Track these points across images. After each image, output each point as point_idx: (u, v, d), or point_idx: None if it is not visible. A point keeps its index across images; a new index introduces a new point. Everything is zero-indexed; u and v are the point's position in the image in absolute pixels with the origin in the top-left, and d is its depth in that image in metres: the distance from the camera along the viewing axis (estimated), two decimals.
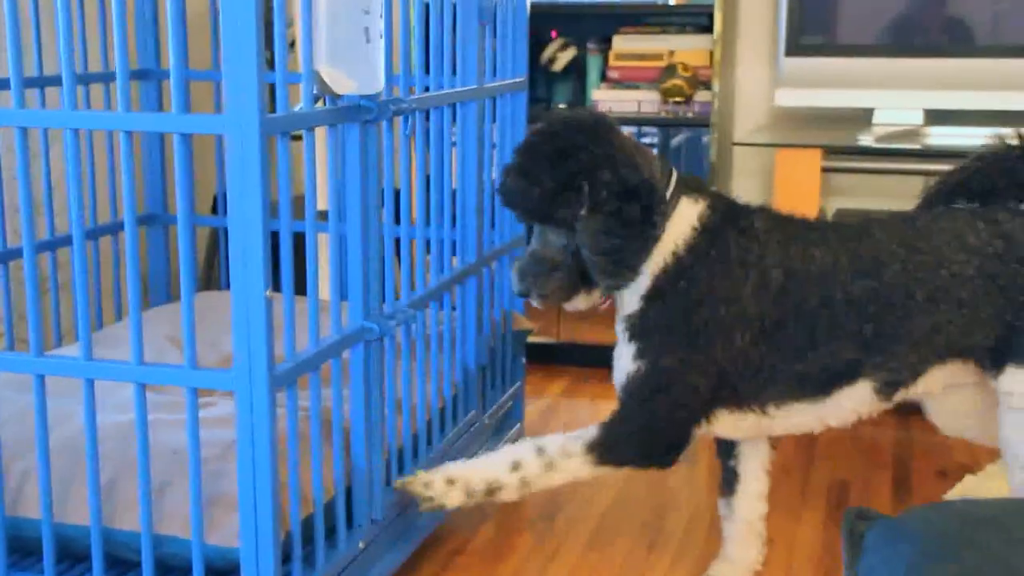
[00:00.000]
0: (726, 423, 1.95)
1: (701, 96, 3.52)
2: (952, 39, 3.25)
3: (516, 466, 1.90)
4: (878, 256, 1.87)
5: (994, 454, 2.81)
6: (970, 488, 2.61)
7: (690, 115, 3.52)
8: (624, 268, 1.83)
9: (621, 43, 3.60)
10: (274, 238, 1.64)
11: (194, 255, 1.64)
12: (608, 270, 1.83)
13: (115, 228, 2.60)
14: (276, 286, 1.64)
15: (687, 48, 3.57)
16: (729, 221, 1.88)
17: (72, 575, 1.81)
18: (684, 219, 1.87)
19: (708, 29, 3.48)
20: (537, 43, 3.62)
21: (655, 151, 2.03)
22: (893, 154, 3.09)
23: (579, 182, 1.82)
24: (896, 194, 3.57)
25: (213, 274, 3.17)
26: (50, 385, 1.75)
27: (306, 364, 1.72)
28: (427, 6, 2.23)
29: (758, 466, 2.15)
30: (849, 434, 3.06)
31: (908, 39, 3.29)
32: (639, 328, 1.89)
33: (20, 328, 2.78)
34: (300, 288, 1.81)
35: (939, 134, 3.21)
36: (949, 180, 2.00)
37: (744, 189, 3.66)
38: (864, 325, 1.85)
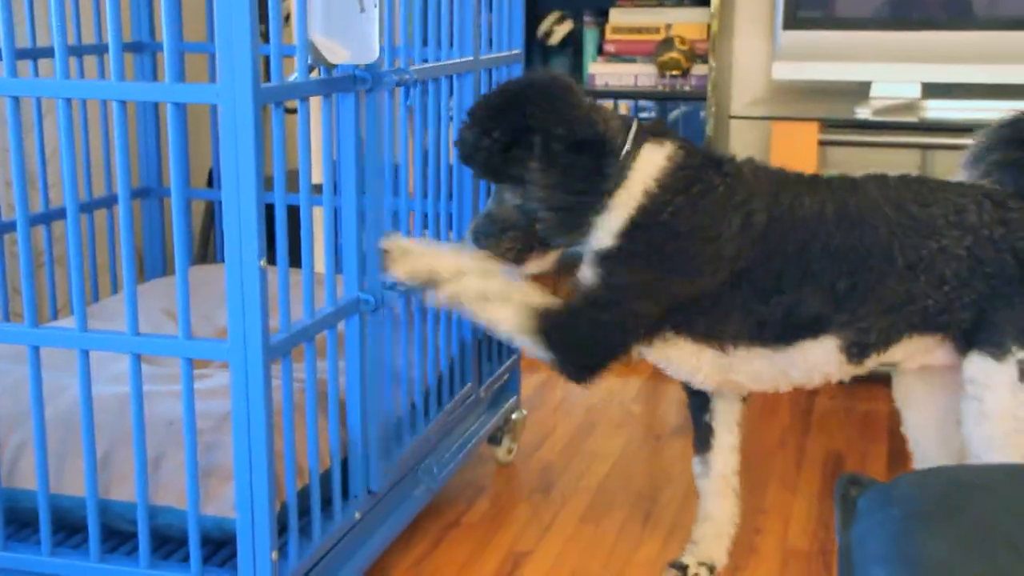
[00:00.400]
0: (684, 352, 1.90)
1: (698, 69, 3.51)
2: (949, 12, 3.24)
3: (460, 272, 1.87)
4: (866, 214, 1.83)
5: None
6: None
7: (687, 88, 3.51)
8: (575, 224, 1.83)
9: (618, 16, 3.58)
10: (269, 211, 1.64)
11: (188, 226, 1.64)
12: (559, 227, 1.83)
13: (110, 201, 2.59)
14: (271, 259, 1.64)
15: (684, 21, 3.56)
16: (711, 164, 1.86)
17: (68, 546, 1.81)
18: (651, 161, 1.84)
19: (705, 2, 3.47)
20: (534, 16, 3.61)
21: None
22: (890, 127, 3.09)
23: (530, 136, 1.81)
24: (893, 167, 3.56)
25: (209, 248, 3.17)
26: (45, 358, 1.75)
27: (301, 335, 1.71)
28: None
29: (731, 419, 2.12)
30: (844, 406, 3.07)
31: (906, 12, 3.28)
32: (604, 255, 1.85)
33: (15, 303, 2.78)
34: (296, 261, 1.81)
35: (936, 107, 3.20)
36: (998, 134, 1.95)
37: None
38: (838, 280, 1.81)
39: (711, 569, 2.13)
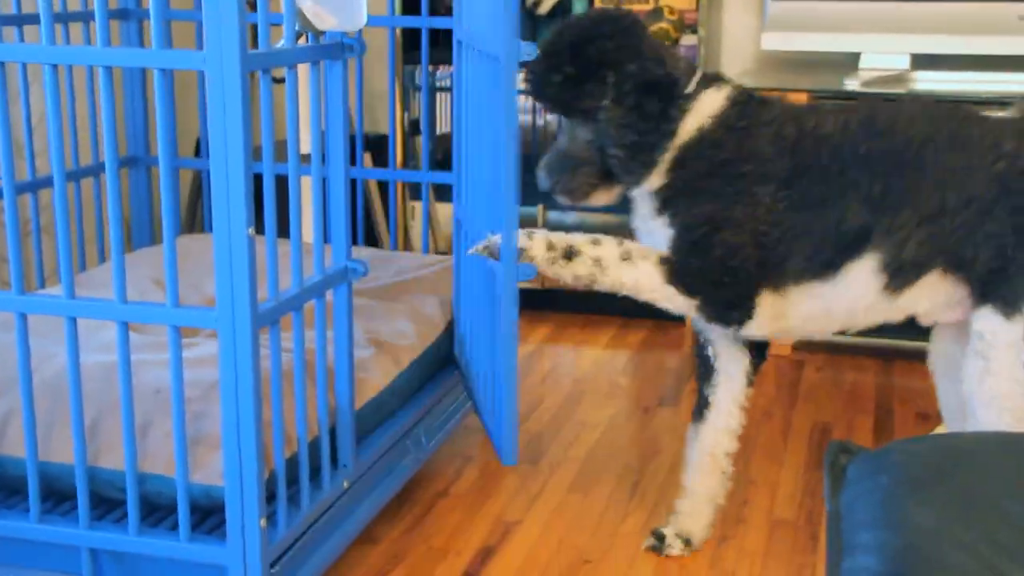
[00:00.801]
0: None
1: (687, 40, 3.50)
2: None
3: (597, 242, 1.89)
4: (896, 122, 1.87)
5: None
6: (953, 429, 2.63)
7: None
8: (642, 163, 1.86)
9: None
10: (258, 181, 1.63)
11: (176, 193, 1.64)
12: (627, 165, 1.86)
13: (97, 170, 2.58)
14: (260, 229, 1.63)
15: None
16: (752, 98, 1.92)
17: (57, 513, 1.81)
18: (710, 102, 1.89)
19: None
20: None
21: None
22: (880, 99, 3.08)
23: (603, 72, 1.84)
24: None
25: (197, 217, 3.16)
26: (33, 326, 1.74)
27: (289, 303, 1.71)
28: None
29: (731, 400, 2.12)
30: (831, 378, 3.08)
31: None
32: (666, 197, 1.90)
33: (2, 271, 2.77)
34: (285, 231, 1.81)
35: (925, 79, 3.20)
36: None
37: None
38: (873, 184, 1.83)
39: (687, 542, 2.14)
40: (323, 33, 1.76)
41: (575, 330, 3.41)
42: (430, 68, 3.37)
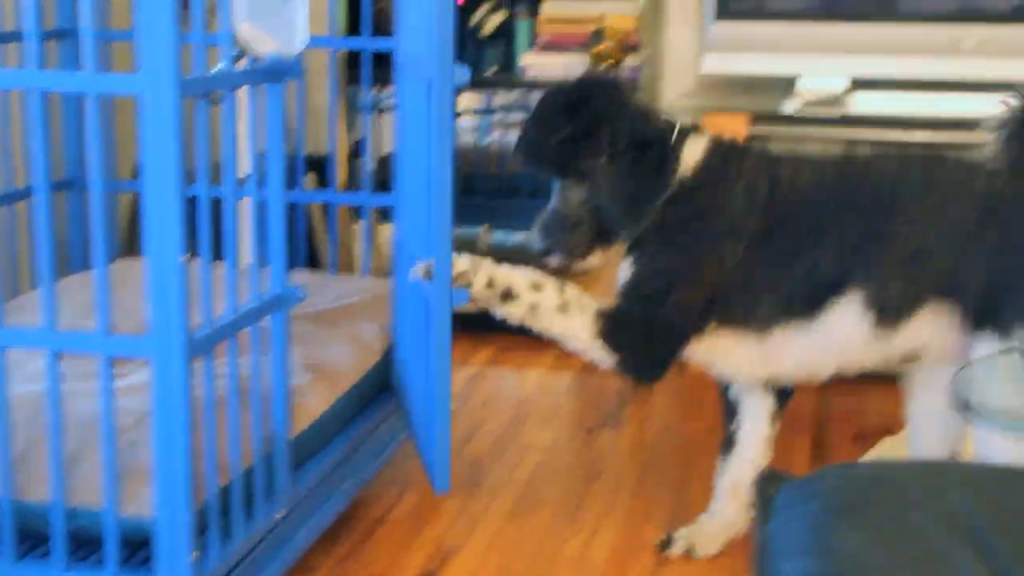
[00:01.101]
0: (726, 344, 1.97)
1: (630, 60, 3.51)
2: (879, 5, 3.26)
3: (538, 287, 1.91)
4: (869, 171, 1.92)
5: None
6: (886, 450, 2.65)
7: None
8: (643, 210, 1.90)
9: (550, 7, 3.57)
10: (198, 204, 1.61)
11: (108, 219, 1.61)
12: (629, 213, 1.90)
13: (30, 193, 2.53)
14: (196, 252, 1.61)
15: (616, 12, 3.55)
16: (728, 149, 1.96)
17: None
18: (691, 153, 1.94)
19: None
20: (466, 7, 3.59)
21: None
22: (817, 121, 3.11)
23: (598, 131, 1.89)
24: None
25: (136, 240, 3.11)
26: None
27: (223, 331, 1.68)
28: None
29: (755, 436, 2.18)
30: None
31: (835, 4, 3.30)
32: (637, 243, 1.95)
33: None
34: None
35: (864, 100, 3.23)
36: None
37: None
38: (847, 231, 1.88)
39: (689, 551, 2.20)
40: (261, 57, 1.74)
41: (518, 352, 3.39)
42: (375, 89, 3.35)
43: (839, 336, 1.93)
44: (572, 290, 1.93)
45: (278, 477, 1.91)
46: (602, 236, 1.98)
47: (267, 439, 1.89)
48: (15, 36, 2.47)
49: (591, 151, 1.90)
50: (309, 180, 3.24)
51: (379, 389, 2.37)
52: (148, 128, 1.52)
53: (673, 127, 1.96)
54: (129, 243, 3.13)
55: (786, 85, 3.36)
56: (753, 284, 1.91)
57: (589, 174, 1.91)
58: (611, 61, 3.47)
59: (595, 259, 2.02)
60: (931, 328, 1.93)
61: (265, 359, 1.87)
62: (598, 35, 3.47)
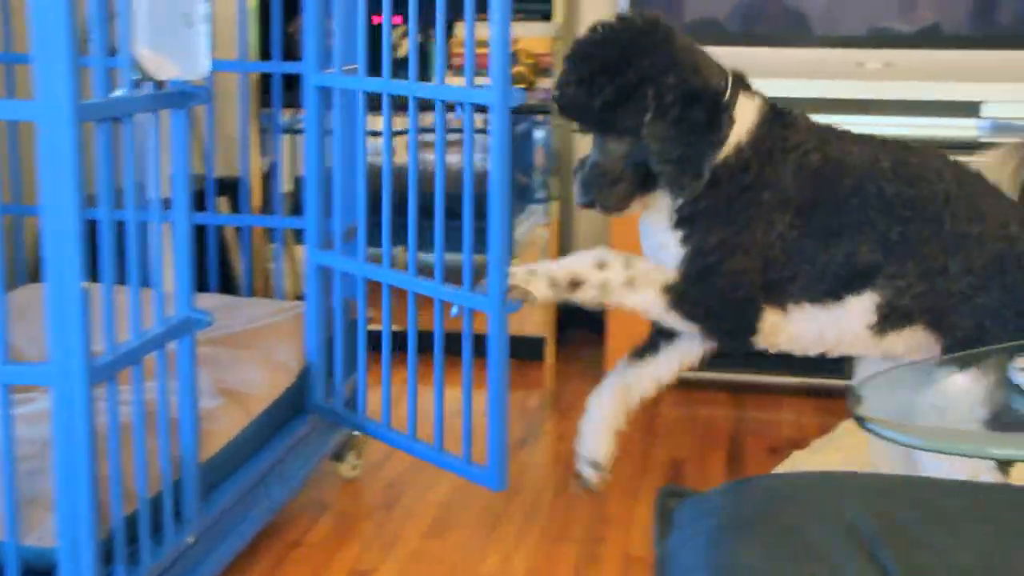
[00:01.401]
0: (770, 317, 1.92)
1: (543, 83, 3.55)
2: (792, 29, 3.34)
3: (602, 265, 1.86)
4: (925, 172, 1.86)
5: (823, 429, 2.93)
6: (798, 462, 2.71)
7: (533, 102, 3.54)
8: (693, 175, 1.81)
9: (464, 31, 3.59)
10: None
11: (7, 245, 1.59)
12: (678, 178, 1.81)
13: None
14: (109, 277, 1.59)
15: (529, 35, 3.59)
16: (778, 115, 1.88)
17: None
18: (744, 116, 1.84)
19: (550, 16, 3.51)
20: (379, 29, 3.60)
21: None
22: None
23: (643, 89, 1.78)
24: None
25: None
26: None
27: (127, 357, 1.67)
28: None
29: (676, 357, 2.06)
30: (686, 414, 3.14)
31: (748, 28, 3.37)
32: (686, 215, 1.86)
33: None
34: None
35: None
36: None
37: None
38: (893, 227, 1.83)
39: (595, 466, 2.05)
40: (164, 82, 1.74)
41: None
42: (286, 112, 3.34)
43: (842, 324, 1.91)
44: (638, 263, 1.87)
45: (187, 503, 1.90)
46: (643, 187, 1.87)
47: (176, 464, 1.88)
48: None
49: (636, 111, 1.79)
50: (223, 203, 3.22)
51: (293, 412, 2.36)
52: (45, 153, 1.51)
53: (726, 78, 1.85)
54: (39, 269, 3.09)
55: None
56: (794, 262, 1.85)
57: (633, 131, 1.81)
58: (524, 84, 3.50)
59: (636, 209, 1.92)
60: (911, 344, 1.93)
61: (173, 384, 1.86)
62: (512, 58, 3.50)
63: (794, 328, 1.93)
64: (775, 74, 3.28)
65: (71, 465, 1.57)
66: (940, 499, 1.27)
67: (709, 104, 1.79)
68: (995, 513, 1.24)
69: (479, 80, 3.59)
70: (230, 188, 3.26)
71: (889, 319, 1.90)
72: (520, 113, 3.58)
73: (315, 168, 2.36)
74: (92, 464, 1.57)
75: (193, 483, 1.89)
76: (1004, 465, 1.89)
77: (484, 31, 3.57)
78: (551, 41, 3.52)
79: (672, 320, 1.90)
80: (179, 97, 1.79)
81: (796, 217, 1.84)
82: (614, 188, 1.87)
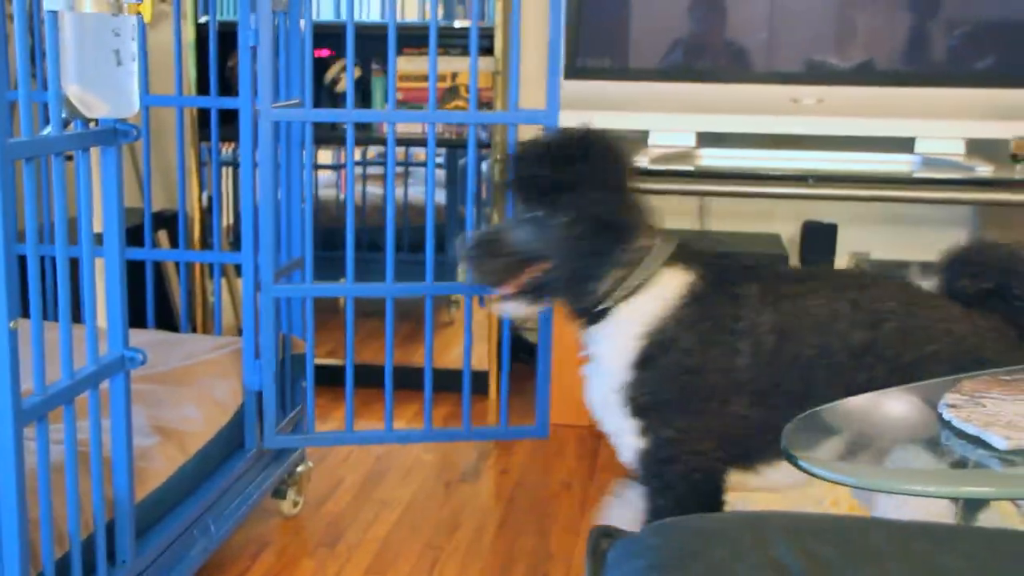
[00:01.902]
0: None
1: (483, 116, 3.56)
2: (729, 65, 3.39)
3: None
4: (878, 309, 1.86)
5: None
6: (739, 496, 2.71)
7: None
8: (580, 288, 1.87)
9: (405, 64, 3.61)
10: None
11: None
12: (565, 282, 1.87)
13: None
14: (36, 315, 1.57)
15: (467, 69, 3.61)
16: (719, 289, 1.89)
17: None
18: (672, 288, 1.88)
19: (490, 51, 3.53)
20: (321, 64, 3.61)
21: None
22: (669, 175, 3.20)
23: (577, 188, 1.83)
24: (672, 213, 3.69)
25: None
26: None
27: (58, 397, 1.65)
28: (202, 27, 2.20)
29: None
30: None
31: (688, 63, 3.42)
32: (638, 404, 1.88)
33: None
34: (76, 316, 1.75)
35: (710, 155, 3.34)
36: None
37: None
38: (858, 374, 1.83)
39: None
40: (94, 120, 1.73)
41: (379, 406, 3.38)
42: (224, 146, 3.34)
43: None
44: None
45: (121, 544, 1.87)
46: (521, 268, 1.90)
47: (110, 505, 1.85)
48: None
49: (560, 203, 1.84)
50: (163, 237, 3.20)
51: (232, 448, 2.34)
52: None
53: (649, 228, 1.90)
54: None
55: (638, 140, 3.45)
56: (767, 432, 1.84)
57: (545, 222, 1.86)
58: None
59: (506, 289, 1.93)
60: None
61: (107, 423, 1.84)
62: (452, 92, 3.52)
63: (768, 480, 1.95)
64: (714, 110, 3.35)
65: (2, 507, 1.54)
66: (866, 537, 1.28)
67: (620, 236, 1.85)
68: (920, 551, 1.26)
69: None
70: (170, 222, 3.24)
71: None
72: (463, 146, 3.59)
73: (251, 202, 2.36)
74: (22, 506, 1.55)
75: (128, 523, 1.87)
76: (972, 508, 1.91)
77: (425, 65, 3.60)
78: (492, 75, 3.54)
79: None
80: (109, 135, 1.78)
81: (756, 398, 1.86)
82: (497, 261, 1.90)
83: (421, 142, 3.61)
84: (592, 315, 1.92)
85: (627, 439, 1.94)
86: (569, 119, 3.36)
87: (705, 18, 3.42)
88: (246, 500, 2.37)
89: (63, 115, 1.66)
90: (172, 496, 2.08)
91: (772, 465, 1.92)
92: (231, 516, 2.29)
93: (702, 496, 1.92)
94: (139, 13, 1.73)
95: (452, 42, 3.68)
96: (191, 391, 2.30)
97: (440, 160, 3.79)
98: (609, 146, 1.90)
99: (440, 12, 3.66)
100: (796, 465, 1.37)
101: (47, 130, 1.65)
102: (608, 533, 1.28)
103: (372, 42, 3.64)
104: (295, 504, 2.64)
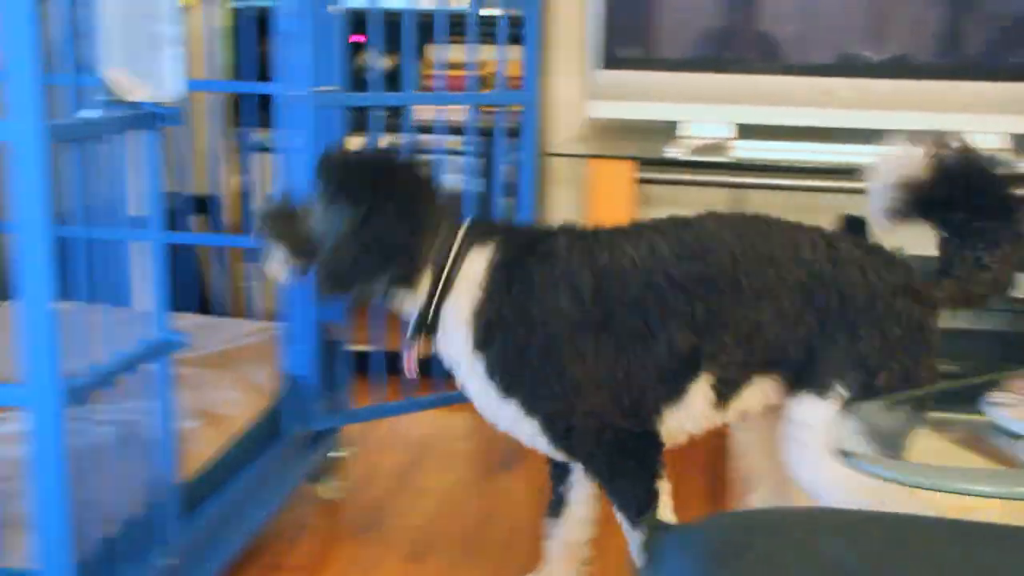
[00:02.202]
0: None
1: (516, 107, 3.56)
2: (762, 56, 3.37)
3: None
4: (705, 242, 1.87)
5: None
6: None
7: (509, 125, 3.55)
8: (349, 281, 1.88)
9: (433, 52, 3.61)
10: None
11: None
12: (335, 272, 1.88)
13: None
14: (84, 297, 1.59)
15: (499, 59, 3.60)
16: (527, 251, 1.90)
17: None
18: (476, 265, 1.90)
19: (520, 40, 3.53)
20: (353, 51, 3.61)
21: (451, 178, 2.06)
22: (704, 166, 3.19)
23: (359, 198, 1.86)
24: (708, 205, 3.64)
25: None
26: None
27: (103, 378, 1.66)
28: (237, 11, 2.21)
29: (586, 494, 2.16)
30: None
31: (720, 55, 3.40)
32: (505, 383, 1.89)
33: None
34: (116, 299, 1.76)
35: (747, 147, 3.32)
36: (910, 191, 1.93)
37: (560, 199, 3.71)
38: (695, 304, 1.84)
39: None
40: (135, 103, 1.74)
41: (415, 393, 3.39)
42: (259, 131, 3.34)
43: (694, 410, 1.93)
44: None
45: (166, 525, 1.88)
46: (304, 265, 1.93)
47: (154, 486, 1.86)
48: None
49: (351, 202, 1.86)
50: (199, 222, 3.21)
51: (271, 433, 2.35)
52: (17, 173, 1.50)
53: (457, 227, 1.93)
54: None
55: (673, 131, 3.44)
56: (629, 371, 1.87)
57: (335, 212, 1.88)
58: (501, 108, 3.51)
59: (276, 273, 1.96)
60: (758, 396, 1.96)
61: (150, 405, 1.85)
62: (483, 81, 3.52)
63: (663, 431, 1.95)
64: (742, 100, 3.33)
65: (47, 487, 1.55)
66: (919, 534, 1.27)
67: (405, 260, 1.86)
68: (976, 550, 1.24)
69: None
70: (205, 207, 3.26)
71: (726, 390, 1.93)
72: (492, 135, 3.59)
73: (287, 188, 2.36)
74: (69, 486, 1.56)
75: (173, 504, 1.88)
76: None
77: (455, 54, 3.60)
78: (521, 64, 3.53)
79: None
80: (149, 118, 1.79)
81: (599, 336, 1.85)
82: (281, 235, 1.93)
83: (454, 130, 3.61)
84: (430, 326, 1.93)
85: (522, 427, 1.93)
86: (604, 109, 3.37)
87: (740, 8, 3.41)
88: (285, 484, 2.38)
89: (105, 98, 1.67)
90: (214, 478, 2.09)
91: (665, 409, 1.91)
92: (270, 500, 2.30)
93: (628, 451, 1.91)
94: None
95: (484, 30, 3.67)
96: (230, 375, 2.31)
97: (472, 148, 3.78)
98: (414, 175, 1.92)
99: None
100: (850, 462, 1.35)
101: (86, 113, 1.66)
102: (662, 525, 1.27)
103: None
104: (335, 489, 2.65)
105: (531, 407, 1.89)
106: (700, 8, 3.41)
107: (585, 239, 1.92)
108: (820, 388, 1.87)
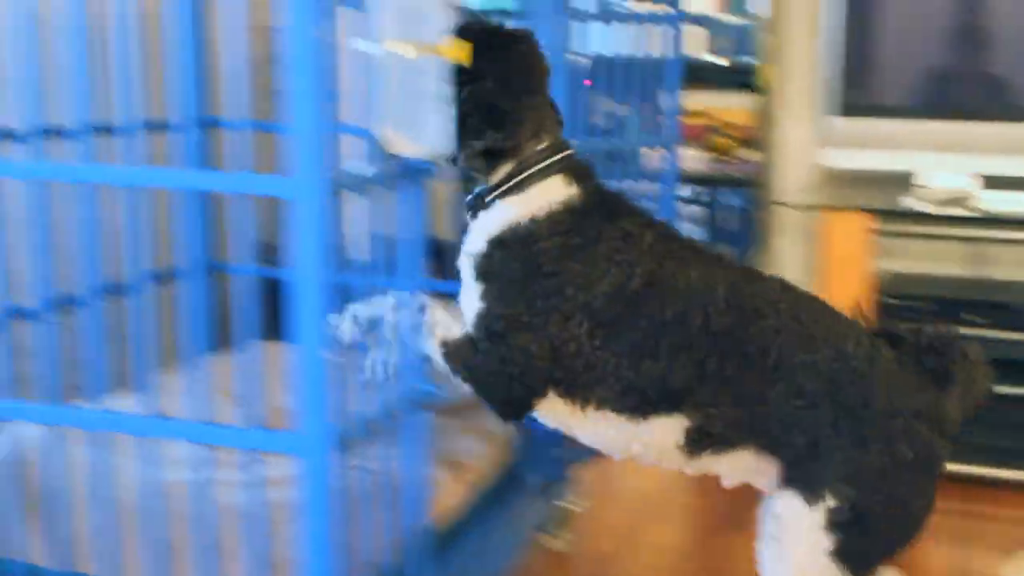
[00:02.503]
0: (546, 404, 1.84)
1: (747, 154, 3.52)
2: (1002, 103, 3.23)
3: (398, 308, 1.83)
4: (758, 305, 1.78)
5: None
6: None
7: (736, 174, 3.51)
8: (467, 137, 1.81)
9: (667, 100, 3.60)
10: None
11: (258, 310, 1.65)
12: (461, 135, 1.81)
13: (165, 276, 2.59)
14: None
15: (728, 106, 3.57)
16: (607, 215, 1.82)
17: None
18: (551, 192, 1.81)
19: (748, 87, 3.49)
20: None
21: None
22: (943, 219, 3.07)
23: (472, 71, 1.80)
24: (947, 259, 3.50)
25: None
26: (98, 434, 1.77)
27: (367, 427, 1.70)
28: None
29: None
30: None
31: (940, 100, 3.28)
32: (484, 270, 1.81)
33: (73, 375, 2.76)
34: None
35: (990, 199, 3.18)
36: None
37: (787, 250, 3.64)
38: (711, 358, 1.75)
39: None
40: (405, 157, 1.78)
41: None
42: None
43: (650, 439, 1.82)
44: (438, 310, 1.83)
45: (422, 572, 1.91)
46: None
47: (407, 534, 1.89)
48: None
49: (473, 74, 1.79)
50: (434, 267, 3.27)
51: (509, 484, 2.36)
52: (297, 226, 1.56)
53: (551, 134, 1.85)
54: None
55: (902, 181, 3.32)
56: (599, 371, 1.77)
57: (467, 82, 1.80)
58: (725, 156, 3.48)
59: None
60: (741, 465, 1.84)
61: (403, 452, 1.88)
62: (715, 129, 3.49)
63: (594, 429, 1.83)
64: (969, 150, 3.18)
65: (316, 532, 1.59)
66: None
67: (493, 122, 1.79)
68: None
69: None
70: (440, 252, 3.32)
71: (700, 442, 1.80)
72: (723, 183, 3.55)
73: None
74: (336, 531, 1.59)
75: (427, 553, 1.90)
76: None
77: (688, 102, 3.58)
78: (752, 113, 3.49)
79: (452, 376, 1.81)
80: (416, 173, 1.84)
81: (597, 331, 1.76)
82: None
83: (687, 178, 3.59)
84: (479, 206, 1.84)
85: (469, 298, 1.81)
86: (841, 158, 3.29)
87: (980, 53, 3.28)
88: (520, 533, 2.38)
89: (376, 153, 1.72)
90: (459, 528, 2.11)
91: (602, 412, 1.79)
92: (507, 550, 2.31)
93: (511, 393, 1.79)
94: (445, 54, 1.77)
95: (710, 77, 3.65)
96: (468, 424, 2.33)
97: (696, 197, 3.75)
98: (526, 49, 1.84)
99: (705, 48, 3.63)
100: None
101: (356, 166, 1.72)
102: None
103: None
104: (562, 540, 2.64)
105: (489, 299, 1.79)
106: (939, 54, 3.29)
107: (664, 243, 1.83)
108: (809, 493, 1.76)
